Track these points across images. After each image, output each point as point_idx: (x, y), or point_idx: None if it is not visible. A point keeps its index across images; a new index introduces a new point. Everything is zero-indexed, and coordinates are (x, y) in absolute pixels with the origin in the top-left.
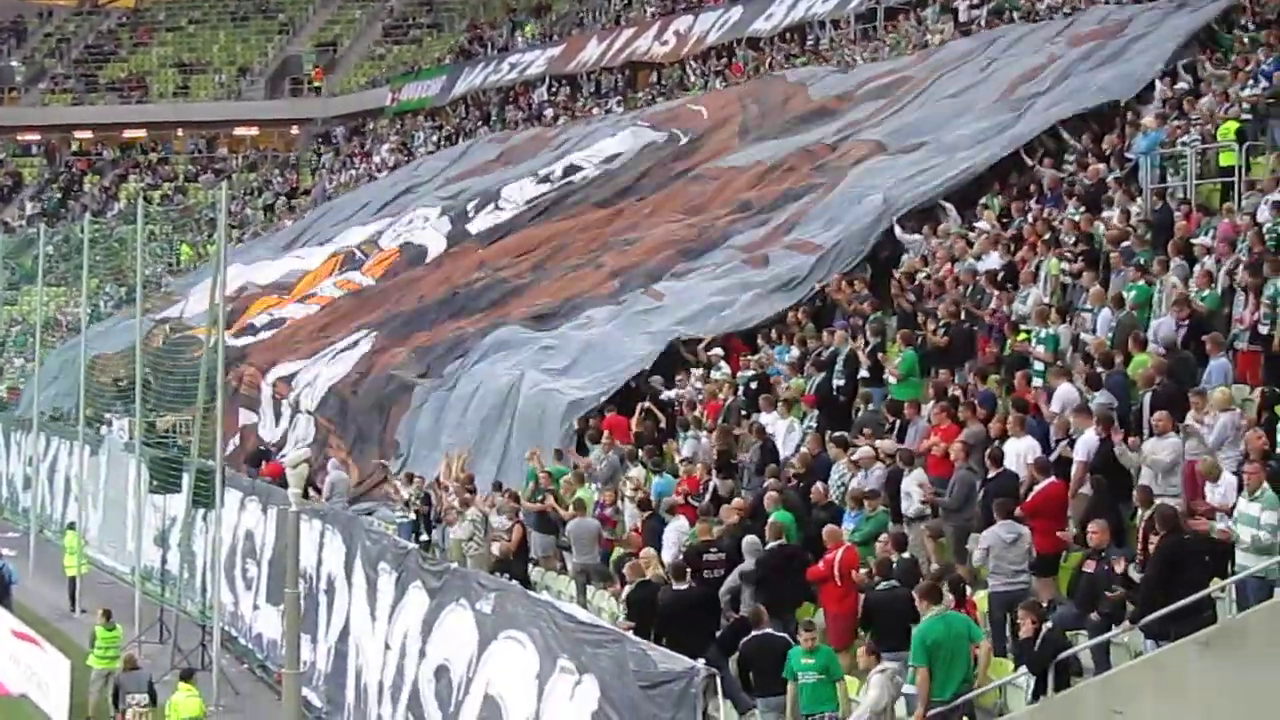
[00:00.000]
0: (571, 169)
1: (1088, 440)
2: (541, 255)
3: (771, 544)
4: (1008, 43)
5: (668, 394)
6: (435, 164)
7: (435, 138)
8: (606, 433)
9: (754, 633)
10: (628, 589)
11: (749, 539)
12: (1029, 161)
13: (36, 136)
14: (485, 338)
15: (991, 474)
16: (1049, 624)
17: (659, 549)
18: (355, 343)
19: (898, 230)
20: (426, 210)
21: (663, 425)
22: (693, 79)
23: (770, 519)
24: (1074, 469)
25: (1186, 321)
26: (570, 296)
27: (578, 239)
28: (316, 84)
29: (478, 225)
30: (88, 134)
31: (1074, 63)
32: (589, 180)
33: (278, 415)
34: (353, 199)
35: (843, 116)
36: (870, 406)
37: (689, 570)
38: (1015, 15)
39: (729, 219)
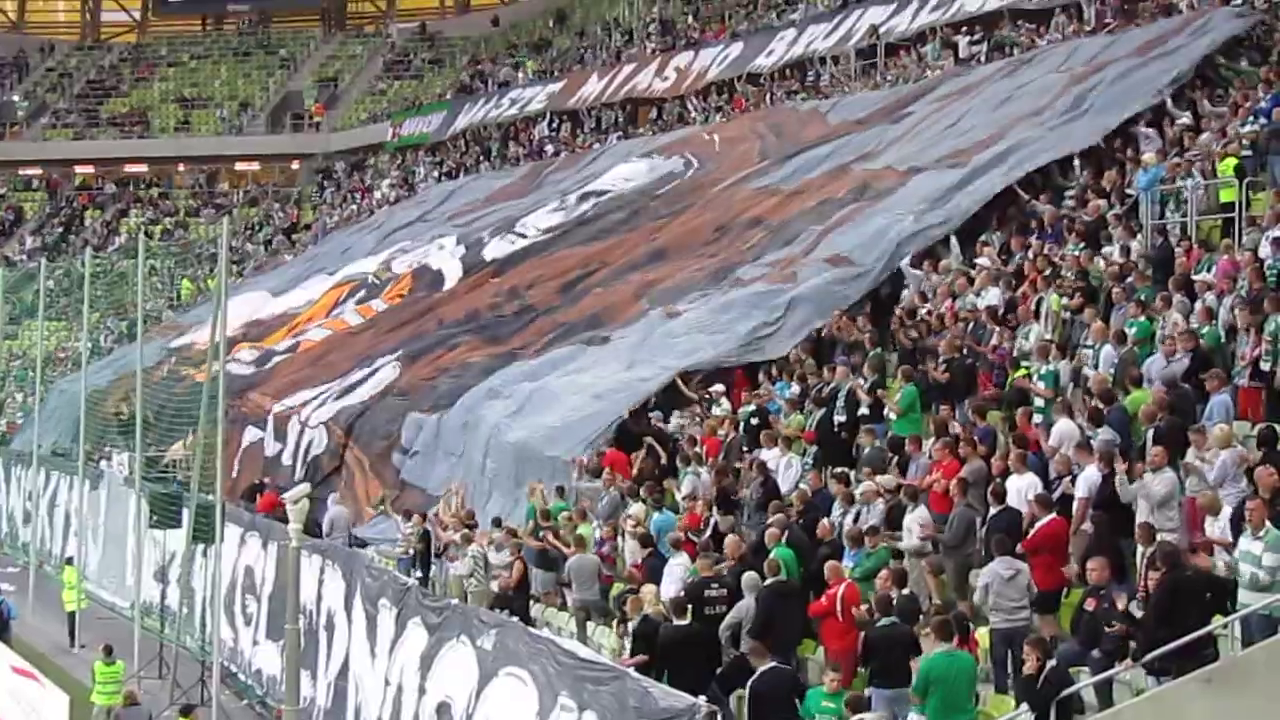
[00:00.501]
0: (588, 196)
1: (1089, 476)
2: (566, 279)
3: (771, 580)
4: (1031, 68)
5: (667, 426)
6: (443, 192)
7: (436, 173)
8: (607, 469)
9: (762, 668)
10: (633, 623)
11: (748, 575)
12: (1025, 196)
13: (38, 171)
14: (489, 376)
15: (993, 510)
16: (1053, 661)
17: (659, 585)
18: (376, 369)
19: (904, 265)
20: (441, 239)
21: (663, 461)
22: (693, 114)
23: (770, 555)
24: (1075, 505)
25: (1189, 355)
26: (597, 315)
27: (601, 262)
28: (317, 119)
29: (493, 252)
30: (89, 169)
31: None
32: (607, 207)
33: (282, 436)
34: (360, 229)
35: (864, 139)
36: (877, 443)
37: (690, 607)
38: (1015, 50)
39: (754, 240)
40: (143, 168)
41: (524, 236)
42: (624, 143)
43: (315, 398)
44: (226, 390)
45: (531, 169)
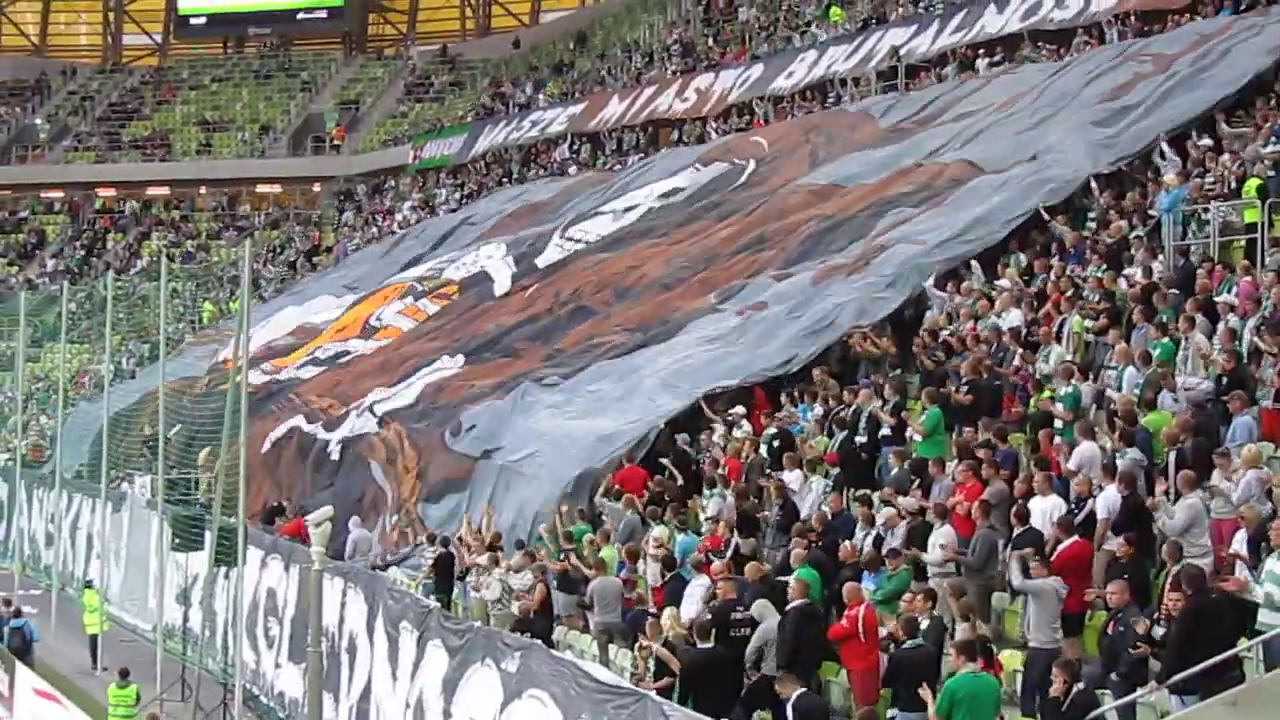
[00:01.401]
0: (636, 204)
1: (1109, 498)
2: (624, 282)
3: (798, 602)
4: (1086, 69)
5: (688, 449)
6: (489, 206)
7: (458, 195)
8: (620, 488)
9: (796, 693)
10: (656, 646)
11: (759, 603)
12: (1046, 217)
13: (60, 194)
14: (545, 376)
15: (1017, 531)
16: (1081, 684)
17: (680, 608)
18: (435, 369)
19: (929, 286)
20: (490, 248)
21: (680, 483)
22: (714, 136)
23: (794, 576)
24: (1097, 527)
25: (1213, 378)
26: (666, 314)
27: (658, 263)
28: (338, 142)
29: (546, 259)
30: (111, 191)
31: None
32: (657, 211)
33: (333, 427)
34: (405, 241)
35: (920, 139)
36: (906, 464)
37: (714, 630)
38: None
39: (815, 235)
40: (164, 190)
41: (576, 241)
42: (673, 150)
43: (380, 399)
44: (274, 391)
45: (575, 182)
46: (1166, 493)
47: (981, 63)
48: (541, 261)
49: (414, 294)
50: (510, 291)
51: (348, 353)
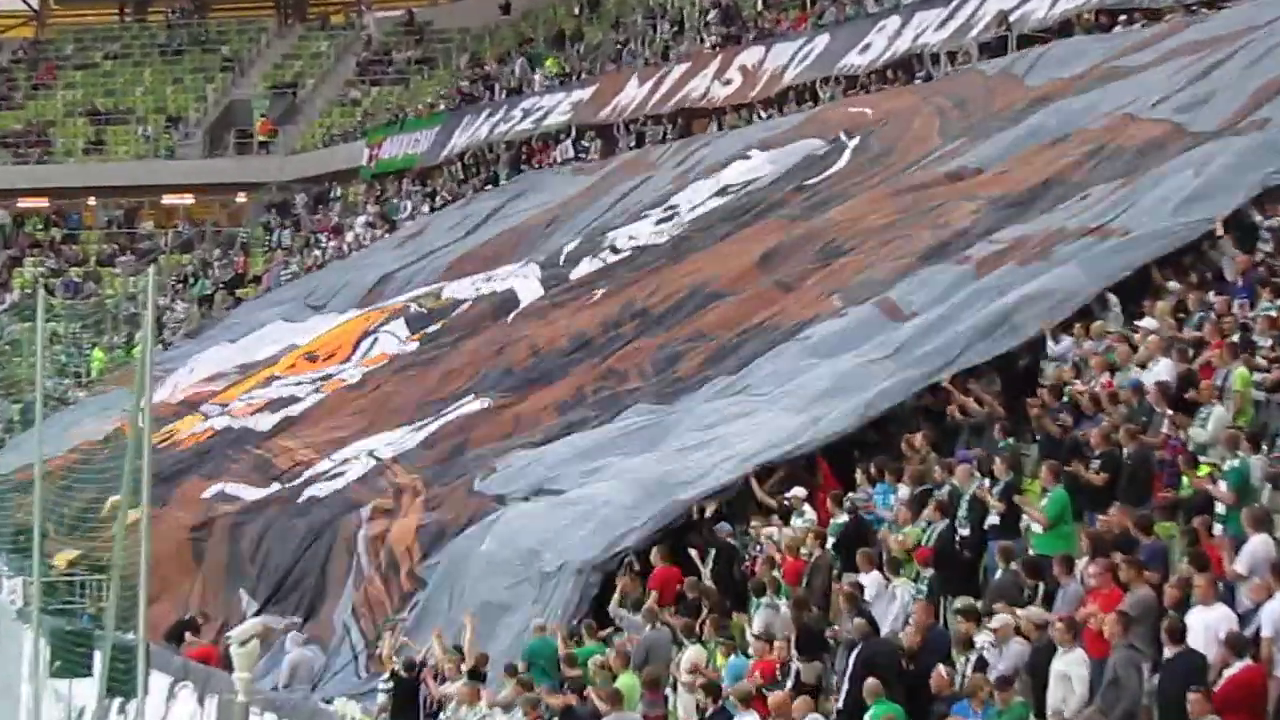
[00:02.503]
0: (695, 201)
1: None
2: (702, 288)
3: None
4: None
5: (732, 540)
6: (486, 203)
7: (426, 207)
8: (654, 593)
9: None
10: None
11: None
12: (1219, 232)
13: None
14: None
15: (1168, 654)
16: None
17: None
18: (460, 406)
19: (1049, 340)
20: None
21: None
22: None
23: (868, 715)
24: (1263, 648)
25: None
26: (778, 320)
27: (745, 264)
28: (268, 139)
29: (581, 271)
30: None
31: None
32: (731, 208)
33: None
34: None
35: (1090, 99)
36: (1017, 564)
37: None
38: None
39: (975, 218)
40: (42, 202)
41: (618, 251)
42: (733, 134)
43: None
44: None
45: (600, 178)
46: None
47: (1121, 29)
48: (576, 274)
49: (406, 316)
50: (542, 308)
51: (318, 390)
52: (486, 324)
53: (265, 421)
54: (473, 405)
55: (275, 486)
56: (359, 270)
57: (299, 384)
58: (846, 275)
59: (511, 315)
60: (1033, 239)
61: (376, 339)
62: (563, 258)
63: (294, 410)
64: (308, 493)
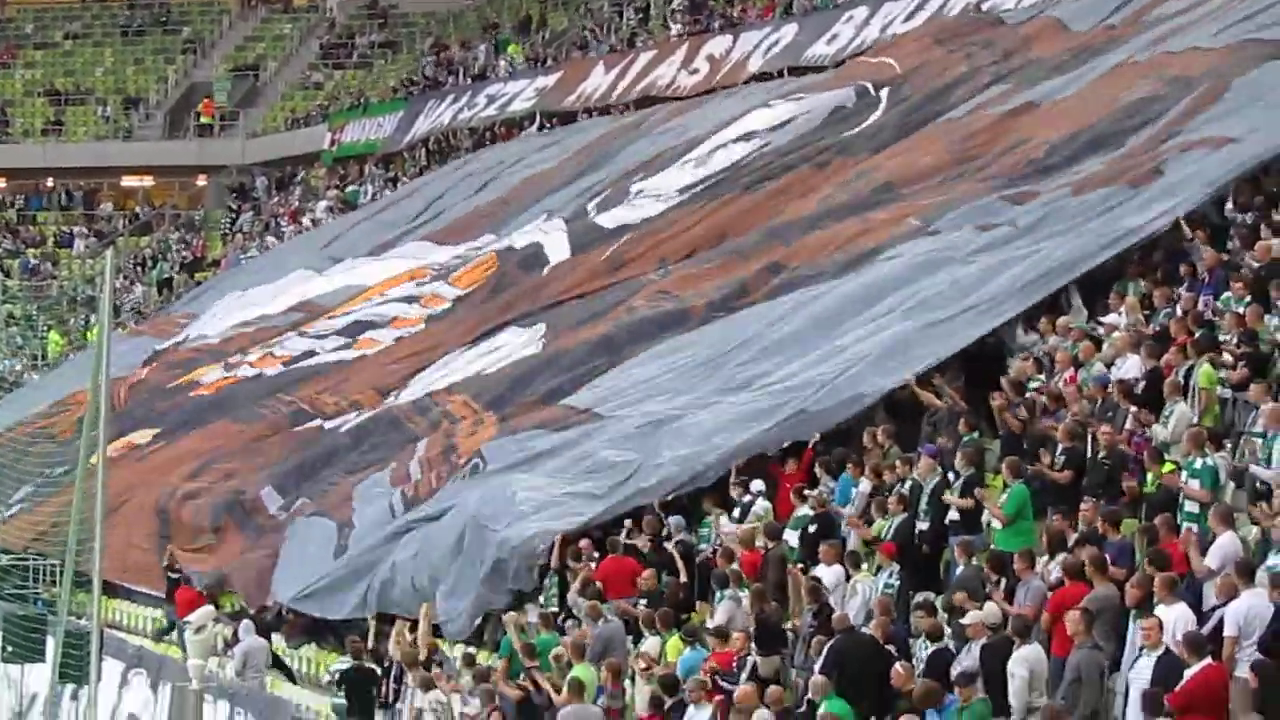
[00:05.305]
0: (729, 146)
1: (1248, 609)
2: (766, 223)
3: None
4: None
5: (687, 536)
6: (492, 155)
7: (388, 192)
8: (598, 585)
9: None
10: None
11: None
12: (1188, 233)
13: None
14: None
15: (1132, 652)
16: None
17: None
18: (507, 343)
19: (1019, 330)
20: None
21: (683, 579)
22: None
23: (820, 711)
24: (1225, 647)
25: None
26: (853, 244)
27: (793, 207)
28: (207, 120)
29: (611, 221)
30: None
31: None
32: (770, 153)
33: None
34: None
35: (1144, 40)
36: (974, 560)
37: None
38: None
39: (1045, 155)
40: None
41: (653, 197)
42: (745, 88)
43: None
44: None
45: (602, 135)
46: None
47: None
48: (609, 221)
49: (437, 276)
50: (575, 263)
51: (348, 344)
52: (518, 276)
53: (292, 369)
54: (521, 339)
55: (315, 420)
56: (373, 224)
57: (323, 338)
58: (920, 206)
59: (546, 269)
60: (1134, 162)
61: (385, 300)
62: (590, 210)
63: (326, 359)
64: (350, 422)
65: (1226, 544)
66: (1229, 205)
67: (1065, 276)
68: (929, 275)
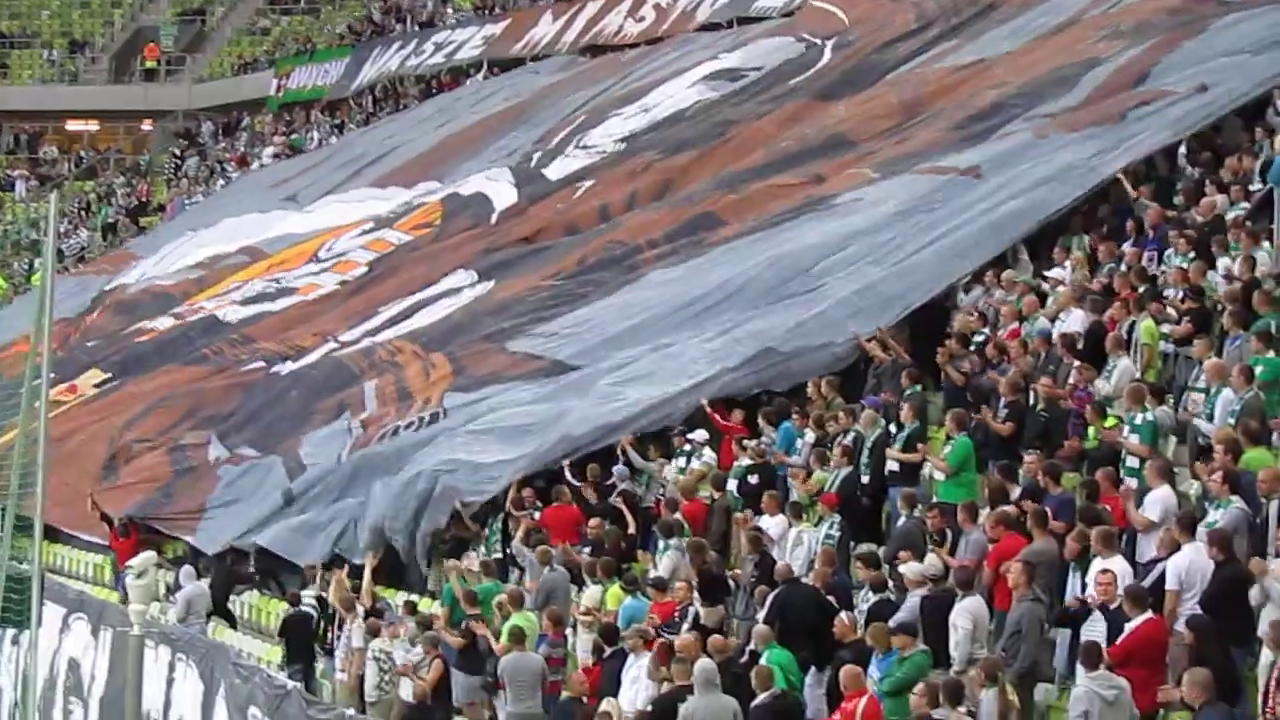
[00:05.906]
0: (672, 95)
1: (1189, 563)
2: (721, 173)
3: (762, 696)
4: None
5: (631, 485)
6: (439, 102)
7: (334, 139)
8: (544, 531)
9: None
10: None
11: (690, 703)
12: (1131, 192)
13: None
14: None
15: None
16: None
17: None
18: (446, 290)
19: (960, 292)
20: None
21: (631, 530)
22: None
23: (761, 661)
24: (1166, 601)
25: None
26: (805, 192)
27: (745, 157)
28: (151, 64)
29: (558, 171)
30: None
31: None
32: (719, 104)
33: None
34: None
35: None
36: (916, 511)
37: None
38: None
39: (999, 102)
40: None
41: (597, 150)
42: (692, 37)
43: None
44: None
45: (549, 84)
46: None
47: None
48: (555, 172)
49: (381, 223)
50: (522, 208)
51: (293, 289)
52: (464, 224)
53: (238, 314)
54: (467, 289)
55: (260, 363)
56: (321, 169)
57: (271, 283)
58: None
59: (493, 216)
60: (1098, 103)
61: (333, 246)
62: (536, 159)
63: (272, 306)
64: (295, 365)
65: (1163, 497)
66: (1181, 156)
67: (1034, 218)
68: (901, 222)
